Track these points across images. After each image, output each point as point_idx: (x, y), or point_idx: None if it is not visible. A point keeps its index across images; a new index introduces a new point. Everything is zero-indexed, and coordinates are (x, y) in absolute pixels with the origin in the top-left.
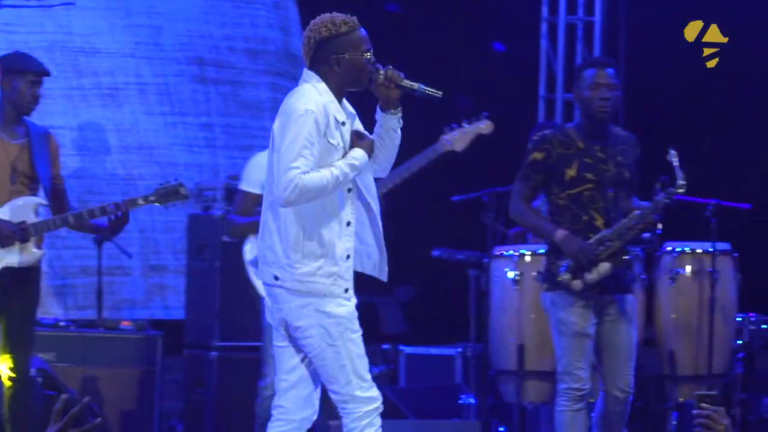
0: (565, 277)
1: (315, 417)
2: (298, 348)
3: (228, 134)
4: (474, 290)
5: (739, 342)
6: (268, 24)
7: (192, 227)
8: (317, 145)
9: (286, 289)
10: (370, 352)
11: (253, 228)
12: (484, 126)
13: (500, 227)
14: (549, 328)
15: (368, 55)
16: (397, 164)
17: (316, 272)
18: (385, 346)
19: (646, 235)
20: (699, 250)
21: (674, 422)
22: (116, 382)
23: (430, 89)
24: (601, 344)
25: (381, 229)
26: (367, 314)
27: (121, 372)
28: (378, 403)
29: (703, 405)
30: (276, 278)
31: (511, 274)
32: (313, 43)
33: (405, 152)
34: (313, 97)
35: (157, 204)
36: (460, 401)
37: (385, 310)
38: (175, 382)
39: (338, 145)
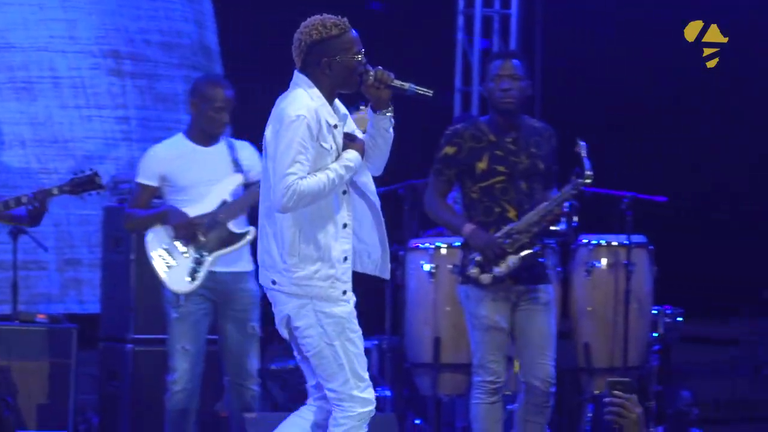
0: (473, 271)
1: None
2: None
3: (144, 127)
4: (390, 283)
5: (655, 334)
6: (183, 17)
7: (107, 220)
8: (311, 149)
9: (285, 293)
10: (286, 347)
11: (153, 220)
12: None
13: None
14: (464, 321)
15: (359, 57)
16: None
17: (313, 276)
18: None
19: (562, 227)
20: (614, 243)
21: (590, 414)
22: (31, 375)
23: (420, 89)
24: (517, 335)
25: (384, 226)
26: None
27: (36, 365)
28: (372, 407)
29: (616, 393)
30: (274, 282)
31: (426, 267)
32: (304, 47)
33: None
34: (304, 102)
35: (72, 194)
36: (375, 394)
37: None
38: (90, 375)
39: (331, 148)
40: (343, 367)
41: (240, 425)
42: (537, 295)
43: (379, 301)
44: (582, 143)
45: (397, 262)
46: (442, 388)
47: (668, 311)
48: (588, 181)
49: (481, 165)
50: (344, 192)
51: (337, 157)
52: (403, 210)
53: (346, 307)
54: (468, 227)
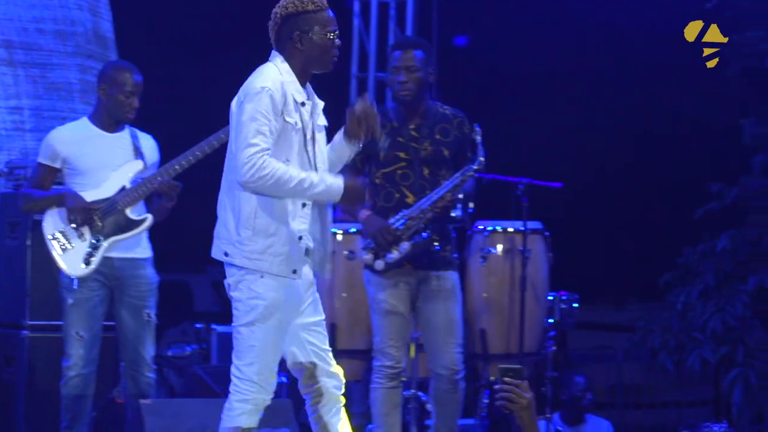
0: (366, 257)
1: (340, 385)
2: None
3: (37, 117)
4: None
5: (551, 321)
6: (77, 6)
7: (2, 206)
8: (274, 122)
9: (236, 266)
10: (182, 331)
11: (49, 202)
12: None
13: None
14: (360, 307)
15: (332, 35)
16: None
17: (266, 250)
18: (198, 325)
19: (458, 213)
20: (510, 229)
21: (486, 401)
22: None
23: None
24: (422, 323)
25: (328, 227)
26: (180, 293)
27: None
28: (269, 398)
29: (506, 379)
30: (226, 254)
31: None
32: (279, 19)
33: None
34: (271, 75)
35: None
36: None
37: (198, 289)
38: None
39: (296, 124)
40: (254, 349)
41: (136, 411)
42: (440, 282)
43: None
44: (477, 128)
45: None
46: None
47: (564, 297)
48: (477, 167)
49: (383, 151)
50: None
51: (305, 136)
52: None
53: (284, 292)
54: (363, 213)
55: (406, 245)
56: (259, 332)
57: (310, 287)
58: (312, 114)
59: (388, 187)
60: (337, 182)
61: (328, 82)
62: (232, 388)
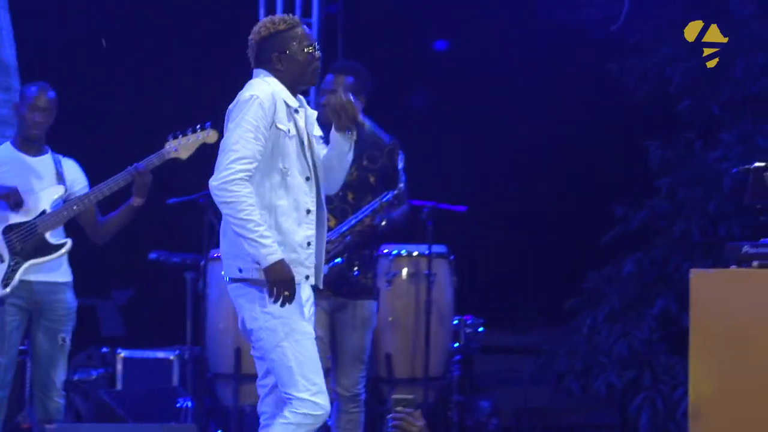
0: None
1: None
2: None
3: None
4: (191, 293)
5: (456, 345)
6: None
7: None
8: (263, 129)
9: (249, 283)
10: (87, 356)
11: None
12: (210, 135)
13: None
14: None
15: (310, 49)
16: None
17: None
18: (103, 349)
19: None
20: (415, 253)
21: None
22: None
23: (377, 134)
24: (335, 346)
25: (324, 239)
26: (85, 317)
27: None
28: (323, 413)
29: (398, 408)
30: (240, 270)
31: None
32: (254, 44)
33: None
34: (260, 86)
35: None
36: (177, 404)
37: (104, 313)
38: None
39: (289, 131)
40: (292, 369)
41: None
42: (356, 311)
43: (180, 311)
44: (401, 154)
45: (198, 272)
46: (243, 398)
47: (469, 321)
48: (397, 194)
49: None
50: (307, 178)
51: (302, 143)
52: (203, 220)
53: (297, 302)
54: None
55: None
56: (289, 350)
57: (308, 299)
58: (306, 123)
59: None
60: (276, 255)
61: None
62: (286, 411)
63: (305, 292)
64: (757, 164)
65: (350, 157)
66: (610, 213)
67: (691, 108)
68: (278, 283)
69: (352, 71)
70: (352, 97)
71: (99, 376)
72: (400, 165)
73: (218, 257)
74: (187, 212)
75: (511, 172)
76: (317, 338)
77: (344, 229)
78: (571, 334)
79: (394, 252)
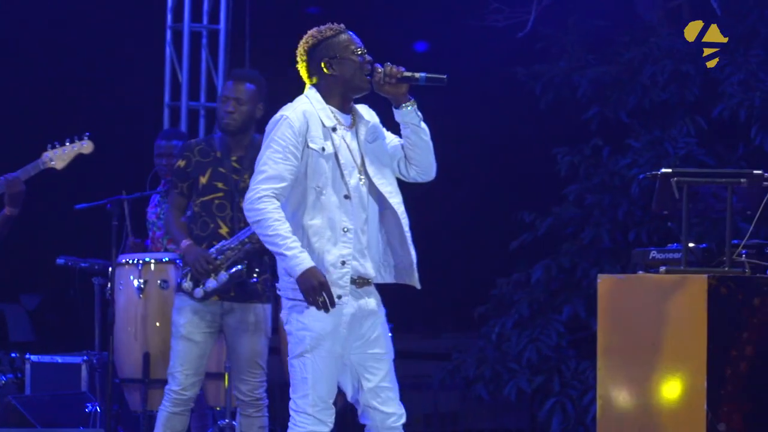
0: (186, 285)
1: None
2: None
3: None
4: (99, 298)
5: None
6: None
7: None
8: (292, 148)
9: (286, 298)
10: None
11: None
12: (85, 146)
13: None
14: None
15: (359, 52)
16: None
17: None
18: (12, 354)
19: None
20: None
21: None
22: None
23: (433, 75)
24: (228, 352)
25: (407, 234)
26: None
27: None
28: (324, 429)
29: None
30: (278, 289)
31: (135, 282)
32: (304, 55)
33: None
34: (295, 105)
35: None
36: (86, 409)
37: (12, 318)
38: None
39: (323, 150)
40: (307, 381)
41: None
42: (246, 314)
43: (89, 317)
44: None
45: (107, 277)
46: (151, 403)
47: None
48: None
49: (203, 180)
50: (346, 197)
51: (337, 159)
52: (111, 225)
53: (335, 319)
54: (184, 243)
55: (224, 275)
56: (310, 363)
57: (369, 317)
58: (357, 137)
59: (204, 216)
60: (303, 264)
61: (141, 111)
62: (290, 423)
63: (347, 309)
64: (664, 170)
65: (425, 128)
66: (519, 220)
67: (599, 115)
68: (311, 290)
69: (252, 79)
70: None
71: (8, 381)
72: None
73: (126, 262)
74: (94, 218)
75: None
76: (195, 342)
77: (243, 237)
78: (481, 339)
79: None
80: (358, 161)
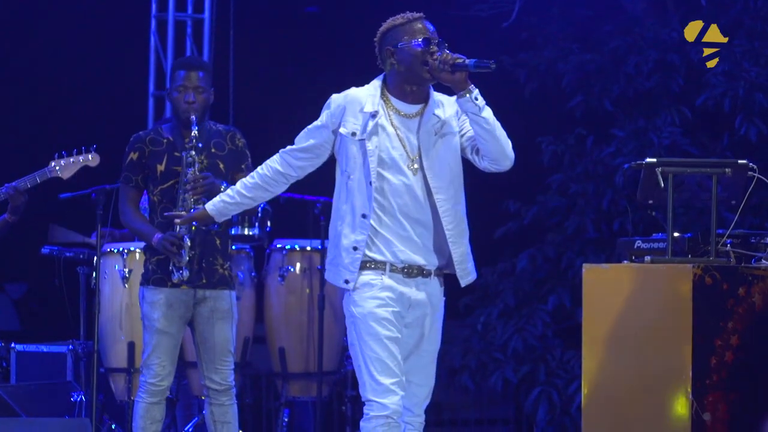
0: (177, 274)
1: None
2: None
3: None
4: (84, 287)
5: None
6: None
7: None
8: (319, 124)
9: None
10: None
11: None
12: (92, 158)
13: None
14: None
15: (420, 40)
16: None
17: (331, 261)
18: None
19: (256, 232)
20: (308, 248)
21: (286, 419)
22: None
23: (482, 62)
24: (198, 340)
25: (446, 233)
26: None
27: None
28: (387, 413)
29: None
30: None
31: (120, 271)
32: (377, 42)
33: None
34: (351, 89)
35: None
36: (71, 399)
37: None
38: None
39: (353, 135)
40: (360, 369)
41: None
42: (218, 302)
43: (74, 306)
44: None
45: (91, 266)
46: (136, 392)
47: None
48: None
49: (161, 167)
50: (370, 183)
51: (364, 145)
52: (95, 214)
53: (372, 302)
54: (156, 237)
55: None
56: (359, 351)
57: (411, 308)
58: (419, 128)
59: (165, 203)
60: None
61: (125, 101)
62: (362, 421)
63: (384, 293)
64: (648, 160)
65: (487, 117)
66: (504, 209)
67: (583, 103)
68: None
69: (202, 66)
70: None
71: None
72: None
73: (111, 251)
74: (78, 208)
75: None
76: (169, 334)
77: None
78: (464, 329)
79: (288, 247)
80: (412, 152)
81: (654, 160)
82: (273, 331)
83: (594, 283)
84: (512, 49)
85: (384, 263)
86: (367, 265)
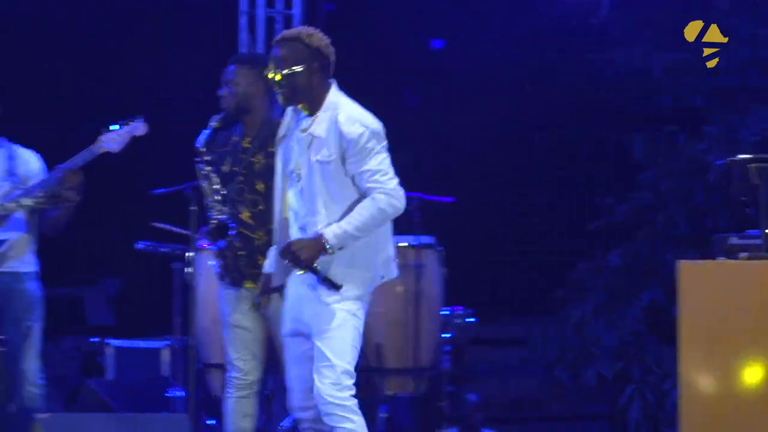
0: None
1: None
2: None
3: None
4: (179, 283)
5: (446, 335)
6: None
7: None
8: None
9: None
10: (74, 346)
11: None
12: (139, 127)
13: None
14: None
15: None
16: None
17: None
18: (93, 339)
19: None
20: (403, 244)
21: (383, 415)
22: None
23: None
24: (273, 334)
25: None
26: (74, 306)
27: None
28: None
29: None
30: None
31: (214, 267)
32: None
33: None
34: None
35: None
36: (168, 394)
37: (92, 303)
38: None
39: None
40: None
41: (25, 425)
42: (280, 303)
43: (169, 302)
44: None
45: (186, 262)
46: None
47: (459, 312)
48: None
49: (225, 168)
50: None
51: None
52: (188, 210)
53: None
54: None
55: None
56: None
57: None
58: None
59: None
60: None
61: (214, 98)
62: None
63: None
64: (741, 156)
65: (351, 238)
66: (595, 205)
67: (673, 100)
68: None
69: (237, 60)
70: None
71: (87, 365)
72: None
73: (205, 247)
74: (172, 204)
75: (499, 164)
76: (243, 329)
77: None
78: (560, 323)
79: None
80: None
81: (747, 156)
82: (369, 326)
83: (689, 279)
84: (602, 44)
85: None
86: None
